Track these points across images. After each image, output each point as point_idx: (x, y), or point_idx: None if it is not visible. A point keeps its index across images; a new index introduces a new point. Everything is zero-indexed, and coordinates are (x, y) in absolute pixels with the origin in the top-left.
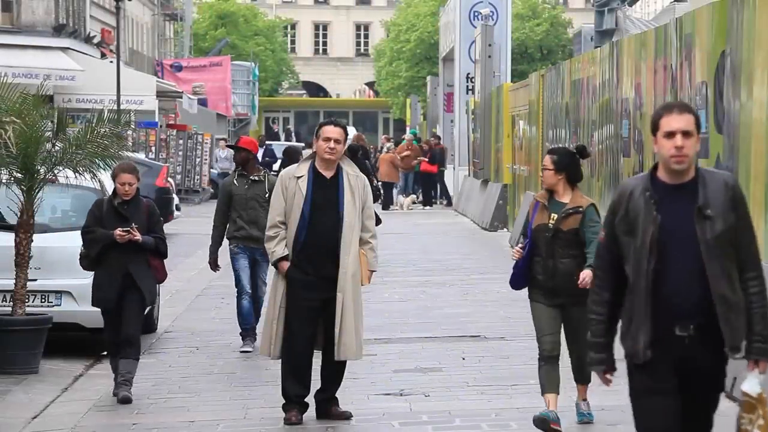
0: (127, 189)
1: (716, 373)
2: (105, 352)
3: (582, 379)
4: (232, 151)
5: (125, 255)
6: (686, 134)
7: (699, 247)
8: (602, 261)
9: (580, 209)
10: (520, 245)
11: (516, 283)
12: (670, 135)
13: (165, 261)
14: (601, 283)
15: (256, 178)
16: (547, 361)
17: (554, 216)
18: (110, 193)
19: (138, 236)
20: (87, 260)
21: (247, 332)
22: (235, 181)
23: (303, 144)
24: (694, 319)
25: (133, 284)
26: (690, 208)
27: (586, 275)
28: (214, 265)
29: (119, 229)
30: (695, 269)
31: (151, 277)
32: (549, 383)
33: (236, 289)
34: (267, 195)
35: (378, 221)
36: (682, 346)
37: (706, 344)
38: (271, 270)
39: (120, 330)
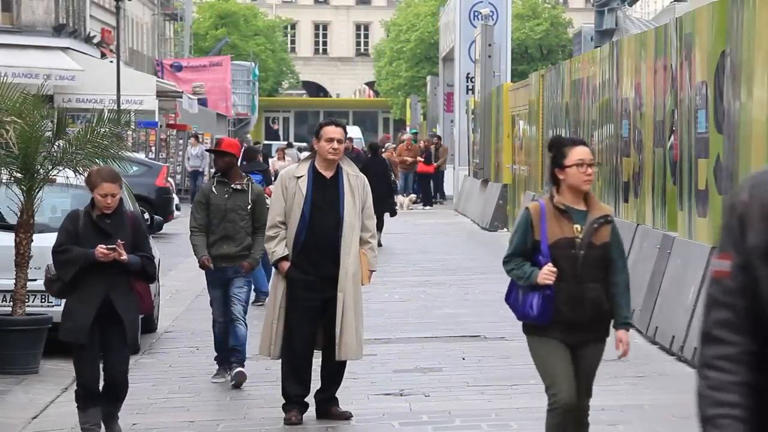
0: (108, 201)
1: None
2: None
3: None
4: (203, 148)
5: (105, 278)
6: None
7: None
8: (731, 312)
9: (609, 218)
10: (550, 265)
11: (545, 314)
12: None
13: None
14: (730, 353)
15: (239, 186)
16: (566, 415)
17: (578, 227)
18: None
19: (124, 255)
20: (58, 285)
21: (221, 358)
22: (213, 189)
23: (286, 143)
24: None
25: (113, 315)
26: None
27: (625, 340)
28: (204, 265)
29: (103, 246)
30: None
31: (134, 308)
32: None
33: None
34: (249, 206)
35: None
36: None
37: None
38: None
39: (96, 373)
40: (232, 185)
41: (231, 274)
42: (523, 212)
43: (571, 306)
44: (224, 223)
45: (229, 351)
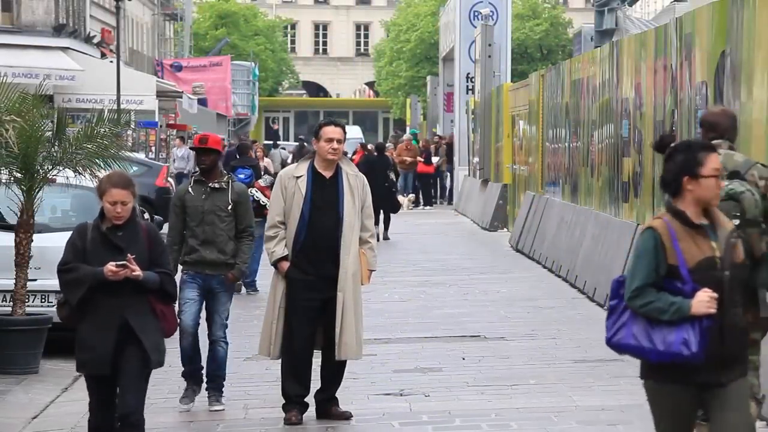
0: (119, 210)
1: None
2: None
3: None
4: (189, 150)
5: (120, 299)
6: None
7: None
8: None
9: (738, 232)
10: (707, 291)
11: (704, 344)
12: None
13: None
14: None
15: (217, 185)
16: None
17: (714, 245)
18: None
19: (138, 271)
20: (67, 309)
21: (190, 374)
22: (190, 189)
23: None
24: None
25: (133, 339)
26: None
27: None
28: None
29: (112, 263)
30: None
31: (156, 329)
32: None
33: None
34: (230, 207)
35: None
36: None
37: None
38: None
39: (113, 408)
40: (210, 184)
41: (215, 284)
42: (646, 234)
43: (720, 339)
44: (203, 225)
45: (208, 376)
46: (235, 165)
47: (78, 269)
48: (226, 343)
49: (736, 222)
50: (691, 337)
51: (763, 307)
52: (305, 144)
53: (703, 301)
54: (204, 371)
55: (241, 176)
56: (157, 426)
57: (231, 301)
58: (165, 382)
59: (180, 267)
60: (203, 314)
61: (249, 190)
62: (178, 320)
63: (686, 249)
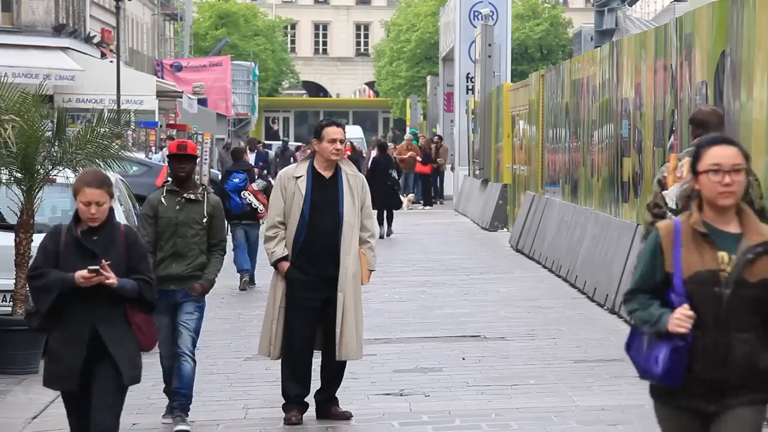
0: (93, 211)
1: None
2: None
3: None
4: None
5: (92, 309)
6: None
7: None
8: None
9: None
10: (685, 307)
11: (673, 373)
12: None
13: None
14: None
15: (193, 196)
16: None
17: (725, 256)
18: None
19: (112, 278)
20: (38, 319)
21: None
22: (163, 199)
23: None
24: None
25: (105, 353)
26: None
27: None
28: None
29: (86, 269)
30: None
31: (131, 342)
32: None
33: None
34: (205, 220)
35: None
36: None
37: None
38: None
39: (87, 424)
40: (185, 195)
41: (180, 298)
42: (651, 235)
43: (709, 363)
44: (174, 238)
45: (173, 393)
46: (230, 169)
47: (47, 275)
48: (193, 360)
49: None
50: (661, 356)
51: None
52: (288, 145)
53: (676, 318)
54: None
55: (236, 180)
56: (157, 426)
57: (201, 313)
58: None
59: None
60: None
61: (243, 193)
62: (160, 350)
63: (686, 257)
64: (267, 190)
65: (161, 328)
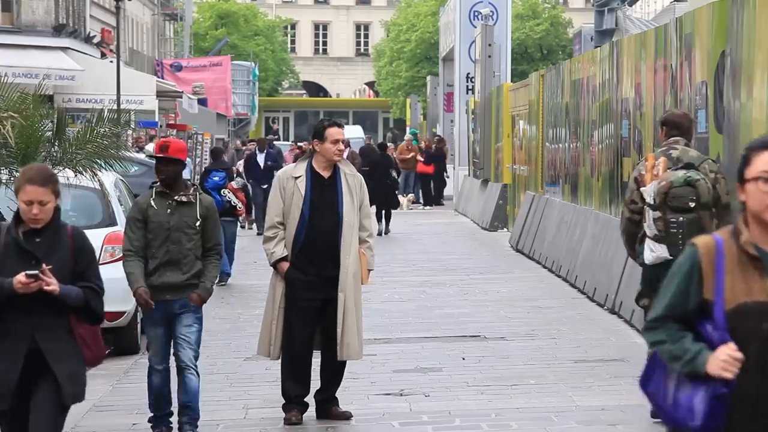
0: (35, 211)
1: None
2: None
3: None
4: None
5: (32, 319)
6: None
7: None
8: None
9: None
10: (731, 347)
11: (713, 425)
12: None
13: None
14: None
15: (184, 198)
16: None
17: None
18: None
19: (54, 285)
20: None
21: (159, 421)
22: (152, 202)
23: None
24: None
25: (45, 367)
26: None
27: None
28: (143, 300)
29: (24, 273)
30: None
31: (74, 356)
32: None
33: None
34: (198, 223)
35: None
36: None
37: None
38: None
39: None
40: (176, 197)
41: (177, 308)
42: (686, 252)
43: (751, 413)
44: (167, 244)
45: (181, 408)
46: (209, 168)
47: None
48: (198, 373)
49: (692, 205)
50: (699, 404)
51: None
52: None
53: (719, 359)
54: (176, 406)
55: (216, 179)
56: None
57: (200, 324)
58: None
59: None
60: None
61: (222, 191)
62: (150, 359)
63: (730, 285)
64: (245, 188)
65: (154, 340)
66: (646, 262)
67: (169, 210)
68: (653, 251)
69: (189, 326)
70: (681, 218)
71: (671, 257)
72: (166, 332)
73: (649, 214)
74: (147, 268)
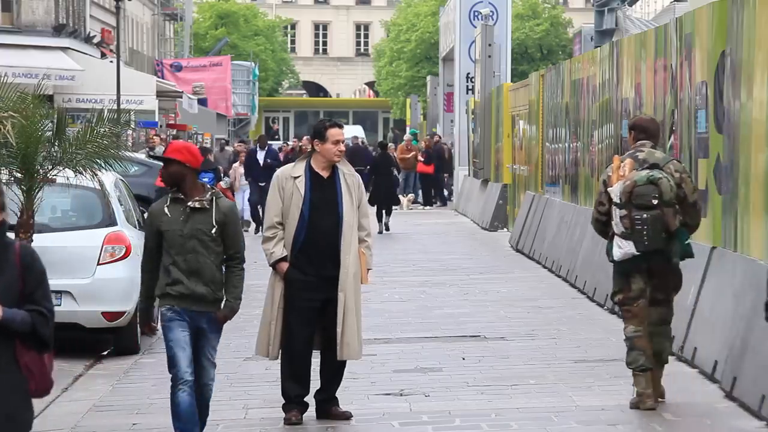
0: None
1: None
2: (105, 352)
3: None
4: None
5: None
6: None
7: None
8: None
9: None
10: None
11: None
12: None
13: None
14: None
15: (198, 205)
16: None
17: None
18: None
19: None
20: None
21: None
22: (166, 210)
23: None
24: None
25: None
26: None
27: None
28: (148, 328)
29: None
30: None
31: (18, 388)
32: None
33: (170, 375)
34: (214, 230)
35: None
36: None
37: None
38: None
39: None
40: (189, 203)
41: (204, 323)
42: None
43: None
44: (184, 254)
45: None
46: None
47: None
48: (213, 383)
49: (655, 202)
50: None
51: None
52: (226, 146)
53: None
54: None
55: (205, 179)
56: (158, 426)
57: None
58: (165, 382)
59: (157, 299)
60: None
61: None
62: (175, 368)
63: None
64: (232, 188)
65: (181, 343)
66: (615, 258)
67: (182, 217)
68: (621, 248)
69: (214, 348)
70: (645, 215)
71: (638, 253)
72: (192, 340)
73: (616, 213)
74: (169, 277)
